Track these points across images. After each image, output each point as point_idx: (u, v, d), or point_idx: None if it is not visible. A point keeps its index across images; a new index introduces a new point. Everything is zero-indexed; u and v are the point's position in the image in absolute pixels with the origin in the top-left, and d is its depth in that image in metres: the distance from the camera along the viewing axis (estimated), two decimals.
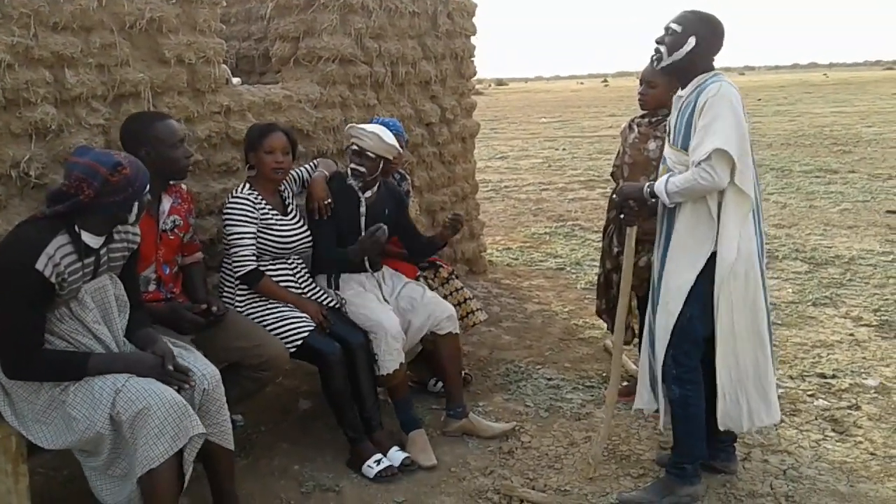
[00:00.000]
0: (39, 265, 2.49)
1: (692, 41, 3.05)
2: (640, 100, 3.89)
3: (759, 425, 3.22)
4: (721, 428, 3.17)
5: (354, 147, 3.76)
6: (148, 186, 2.72)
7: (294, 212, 3.72)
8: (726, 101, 2.92)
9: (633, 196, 3.19)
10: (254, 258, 3.51)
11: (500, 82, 75.42)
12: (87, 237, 2.63)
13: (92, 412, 2.60)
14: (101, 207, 2.59)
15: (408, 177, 4.57)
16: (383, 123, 4.17)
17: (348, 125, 3.91)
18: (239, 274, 3.51)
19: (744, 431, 3.28)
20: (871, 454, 3.57)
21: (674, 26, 3.10)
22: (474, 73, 6.14)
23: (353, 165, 3.77)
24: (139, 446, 2.58)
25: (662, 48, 3.13)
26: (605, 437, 3.52)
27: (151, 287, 3.21)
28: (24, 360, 2.59)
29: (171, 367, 2.73)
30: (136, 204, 2.67)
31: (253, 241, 3.51)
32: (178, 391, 2.69)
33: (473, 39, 6.02)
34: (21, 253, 2.50)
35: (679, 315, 3.08)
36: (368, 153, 3.74)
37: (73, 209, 2.56)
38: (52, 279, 2.53)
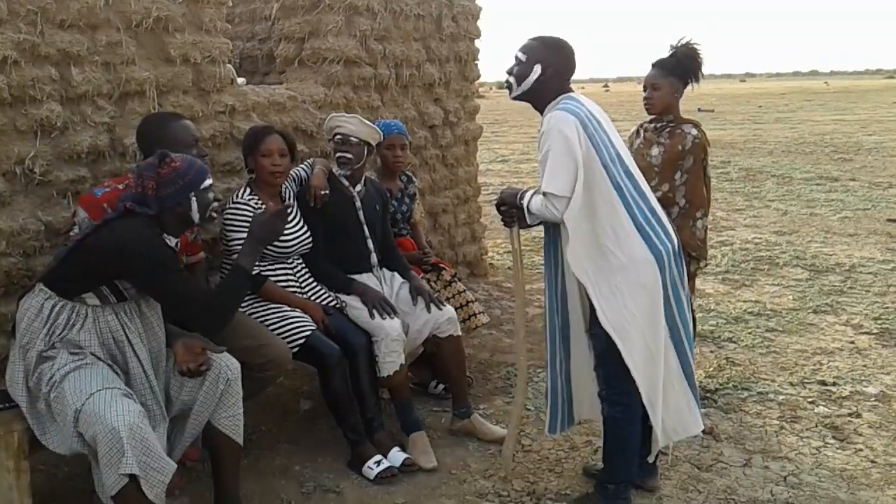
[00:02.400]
0: (169, 241, 2.74)
1: (538, 69, 3.04)
2: (645, 104, 3.90)
3: (676, 440, 3.21)
4: (663, 442, 3.12)
5: (338, 136, 3.78)
6: (207, 183, 2.79)
7: (295, 214, 3.71)
8: (556, 134, 2.89)
9: (508, 203, 3.14)
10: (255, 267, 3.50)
11: (502, 86, 75.40)
12: (167, 239, 2.79)
13: (65, 425, 2.62)
14: (163, 202, 2.71)
15: (415, 179, 4.57)
16: (385, 125, 4.18)
17: (328, 118, 3.90)
18: None
19: (658, 447, 3.16)
20: (872, 462, 3.57)
21: (519, 55, 3.10)
22: (478, 77, 6.15)
23: (339, 154, 3.78)
24: (101, 469, 2.54)
25: (511, 79, 3.14)
26: (514, 438, 3.48)
27: None
28: (214, 310, 2.80)
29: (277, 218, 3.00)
30: (195, 198, 2.74)
31: None
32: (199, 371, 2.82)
33: (477, 43, 6.03)
34: (148, 234, 2.68)
35: (596, 337, 3.03)
36: (352, 138, 3.77)
37: (156, 211, 2.71)
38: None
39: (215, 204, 2.84)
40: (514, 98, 3.17)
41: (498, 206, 3.20)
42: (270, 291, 3.54)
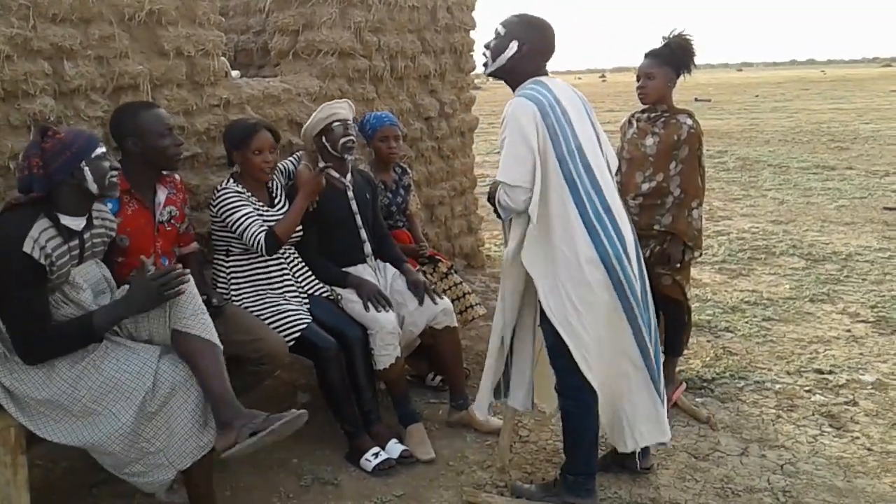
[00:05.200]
0: (27, 248, 2.50)
1: (514, 46, 2.99)
2: (639, 94, 3.90)
3: (644, 444, 3.13)
4: (619, 448, 3.09)
5: (336, 122, 3.75)
6: (99, 151, 2.68)
7: (282, 203, 3.69)
8: (512, 122, 2.85)
9: (491, 195, 3.11)
10: (264, 228, 3.45)
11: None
12: (67, 220, 2.64)
13: (120, 406, 2.63)
14: (55, 177, 2.60)
15: (409, 171, 4.56)
16: (376, 117, 4.18)
17: (317, 110, 3.85)
18: (258, 247, 3.43)
19: (628, 451, 3.14)
20: (868, 449, 3.58)
21: (499, 29, 3.06)
22: (473, 68, 6.13)
23: (344, 139, 3.75)
24: (177, 436, 2.67)
25: (488, 53, 3.09)
26: (510, 429, 3.46)
27: None
28: (38, 344, 2.61)
29: (159, 281, 2.68)
30: (87, 168, 2.64)
31: (257, 217, 3.47)
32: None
33: (472, 34, 6.02)
34: (7, 240, 2.52)
35: (546, 331, 3.01)
36: (349, 122, 3.78)
37: (42, 189, 2.58)
38: (42, 261, 2.54)
39: (113, 172, 2.72)
40: (489, 74, 3.11)
41: (488, 200, 3.19)
42: (285, 230, 3.47)
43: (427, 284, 3.85)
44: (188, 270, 2.78)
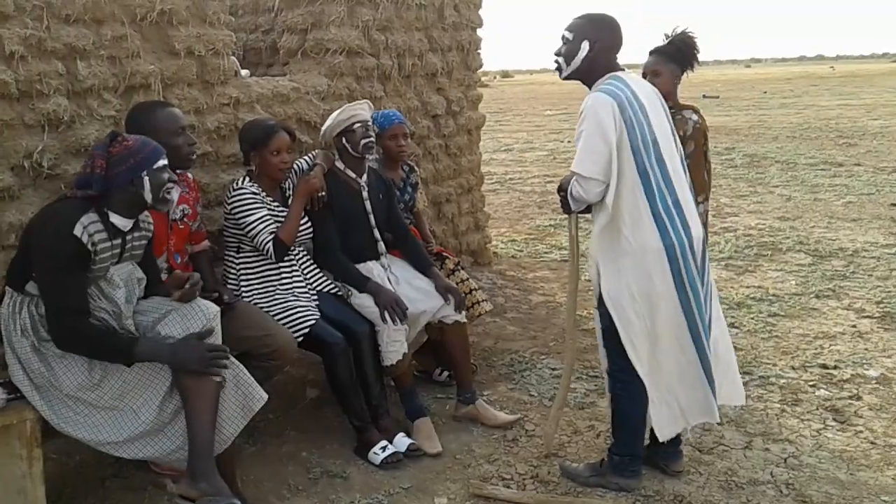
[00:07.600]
0: (77, 232, 2.61)
1: (585, 46, 3.06)
2: None
3: (694, 423, 3.19)
4: (660, 438, 3.13)
5: (357, 123, 3.78)
6: (161, 163, 2.76)
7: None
8: (591, 116, 2.94)
9: (563, 188, 3.16)
10: (273, 234, 3.51)
11: (505, 74, 74.80)
12: (115, 218, 2.74)
13: (140, 403, 2.72)
14: (114, 181, 2.69)
15: (416, 169, 4.60)
16: (384, 115, 4.21)
17: (338, 112, 3.88)
18: (268, 254, 3.52)
19: (679, 433, 3.21)
20: (872, 443, 3.61)
21: (566, 34, 3.12)
22: (480, 66, 6.17)
23: (365, 140, 3.78)
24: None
25: (560, 59, 3.16)
26: (558, 412, 3.51)
27: (163, 277, 3.25)
28: (74, 329, 2.67)
29: (212, 354, 2.75)
30: (147, 178, 2.72)
31: (271, 220, 3.53)
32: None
33: (479, 31, 6.05)
34: (58, 222, 2.63)
35: (601, 314, 3.12)
36: (369, 123, 3.82)
37: (99, 189, 2.67)
38: (89, 246, 2.64)
39: (170, 185, 2.80)
40: (565, 78, 3.18)
41: (557, 191, 3.25)
42: (289, 234, 3.56)
43: (459, 291, 3.90)
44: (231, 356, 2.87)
